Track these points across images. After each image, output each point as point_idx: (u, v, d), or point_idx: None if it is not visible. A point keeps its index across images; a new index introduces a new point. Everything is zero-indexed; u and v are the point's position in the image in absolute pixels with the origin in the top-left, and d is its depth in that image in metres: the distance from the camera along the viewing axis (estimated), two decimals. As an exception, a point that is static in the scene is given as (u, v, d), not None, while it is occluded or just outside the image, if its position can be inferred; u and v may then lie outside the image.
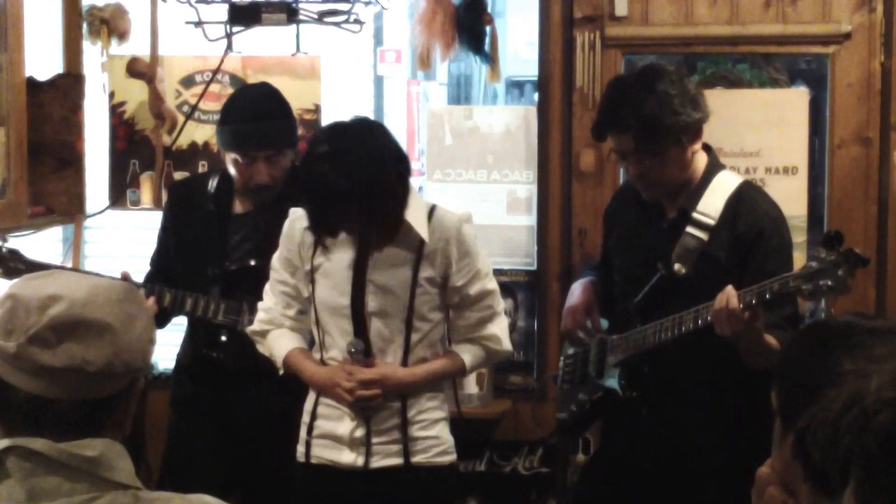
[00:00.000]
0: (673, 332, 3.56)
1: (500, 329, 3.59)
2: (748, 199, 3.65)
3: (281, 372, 3.65)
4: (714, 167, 3.70)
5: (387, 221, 3.41)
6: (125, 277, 3.93)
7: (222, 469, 4.04)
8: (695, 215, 3.63)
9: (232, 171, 3.99)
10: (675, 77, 3.64)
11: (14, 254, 3.93)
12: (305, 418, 3.60)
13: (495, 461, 4.90)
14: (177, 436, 4.22)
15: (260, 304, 3.69)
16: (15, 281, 1.96)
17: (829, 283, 3.16)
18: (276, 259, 3.64)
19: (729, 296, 3.32)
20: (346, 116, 3.53)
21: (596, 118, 3.77)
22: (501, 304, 3.62)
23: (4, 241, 4.06)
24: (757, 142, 4.71)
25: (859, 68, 4.69)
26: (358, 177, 3.28)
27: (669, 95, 3.55)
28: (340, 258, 3.50)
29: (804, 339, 1.96)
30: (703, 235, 3.61)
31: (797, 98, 4.77)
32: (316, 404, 3.58)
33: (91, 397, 1.85)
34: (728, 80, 4.84)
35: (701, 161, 3.68)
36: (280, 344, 3.63)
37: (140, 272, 4.25)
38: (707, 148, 3.72)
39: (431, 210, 3.51)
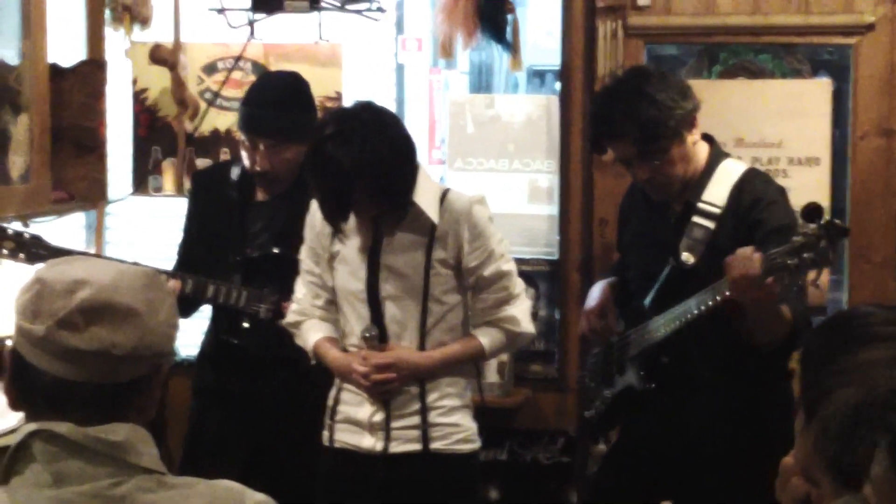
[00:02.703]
0: (683, 318, 3.56)
1: (518, 311, 3.58)
2: (750, 184, 3.64)
3: (312, 362, 3.67)
4: (717, 157, 3.70)
5: (394, 202, 3.42)
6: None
7: (242, 456, 4.05)
8: (700, 205, 3.63)
9: (242, 150, 4.01)
10: (658, 75, 3.68)
11: (36, 239, 3.94)
12: (329, 402, 3.63)
13: (516, 450, 4.90)
14: (198, 422, 4.24)
15: (293, 296, 3.71)
16: (40, 265, 1.97)
17: (812, 255, 3.16)
18: (302, 250, 3.68)
19: (753, 258, 3.30)
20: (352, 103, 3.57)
21: (591, 132, 3.78)
22: (520, 285, 3.60)
23: (27, 226, 4.07)
24: (779, 132, 4.70)
25: (882, 59, 4.67)
26: (362, 156, 3.30)
27: (659, 92, 3.56)
28: (355, 244, 3.52)
29: (827, 330, 1.96)
30: (709, 224, 3.61)
31: (819, 89, 4.75)
32: (339, 390, 3.61)
33: (116, 381, 1.86)
34: (750, 71, 4.83)
35: (702, 151, 3.69)
36: (310, 334, 3.66)
37: (161, 258, 4.26)
38: (708, 138, 3.72)
39: (444, 193, 3.52)
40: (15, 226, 3.91)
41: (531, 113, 4.98)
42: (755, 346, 3.49)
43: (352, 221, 3.51)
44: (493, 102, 5.06)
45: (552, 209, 4.96)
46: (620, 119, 3.58)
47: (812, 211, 3.20)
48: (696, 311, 3.51)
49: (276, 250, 4.00)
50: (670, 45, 4.88)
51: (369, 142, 3.33)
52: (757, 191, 3.62)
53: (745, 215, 3.58)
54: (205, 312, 4.20)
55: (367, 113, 3.43)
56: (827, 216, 3.19)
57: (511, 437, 4.91)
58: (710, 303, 3.45)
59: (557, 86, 5.07)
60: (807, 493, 1.82)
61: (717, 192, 3.63)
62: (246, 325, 4.00)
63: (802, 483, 1.84)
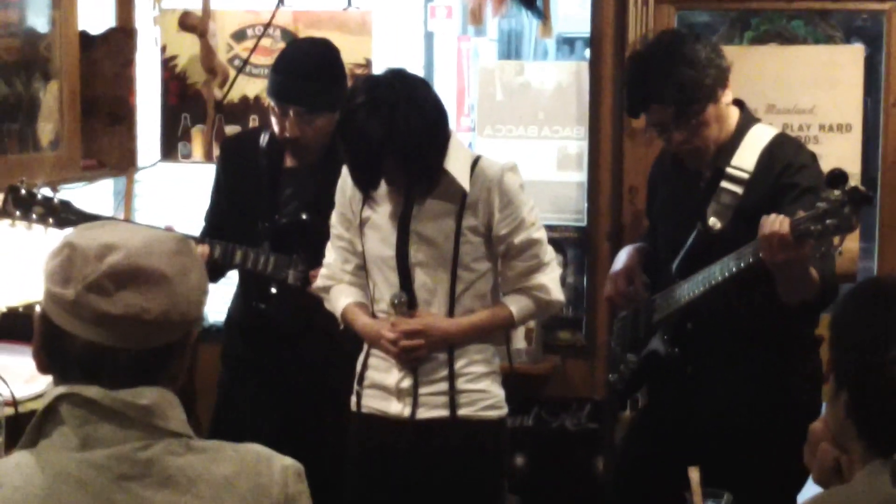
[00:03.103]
0: (707, 284, 3.55)
1: (548, 279, 3.57)
2: (781, 149, 3.62)
3: (341, 327, 3.67)
4: (747, 122, 3.68)
5: (425, 170, 3.42)
6: (169, 230, 3.94)
7: (271, 424, 4.05)
8: (729, 170, 3.61)
9: (271, 117, 4.00)
10: (690, 36, 3.67)
11: (66, 205, 3.95)
12: (358, 368, 3.64)
13: (543, 417, 4.91)
14: (227, 390, 4.25)
15: (324, 261, 3.72)
16: (70, 230, 1.97)
17: (835, 221, 3.13)
18: (333, 215, 3.68)
19: (781, 221, 3.27)
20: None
21: (629, 97, 3.74)
22: (550, 253, 3.60)
23: (56, 192, 4.08)
24: (811, 99, 4.67)
25: (916, 25, 4.63)
26: (393, 125, 3.30)
27: (695, 52, 3.57)
28: (386, 210, 3.52)
29: (858, 297, 1.95)
30: (738, 189, 3.60)
31: (852, 55, 4.72)
32: (367, 355, 3.62)
33: (147, 347, 1.86)
34: (782, 37, 4.81)
35: (733, 115, 3.67)
36: (338, 299, 3.67)
37: (190, 225, 4.27)
38: (739, 103, 3.70)
39: (476, 160, 3.51)
40: (44, 192, 3.92)
41: (561, 80, 4.96)
42: (785, 304, 3.46)
43: (382, 188, 3.50)
44: (522, 69, 5.04)
45: (581, 176, 4.95)
46: (658, 82, 3.56)
47: (836, 177, 3.17)
48: (719, 277, 3.50)
49: (304, 217, 4.00)
50: (702, 11, 4.84)
51: (399, 112, 3.32)
52: (788, 156, 3.60)
53: (775, 180, 3.56)
54: (232, 278, 4.20)
55: (398, 82, 3.42)
56: (851, 182, 3.16)
57: (539, 403, 4.91)
58: (734, 269, 3.43)
59: (587, 53, 5.04)
60: (836, 459, 1.82)
61: (746, 157, 3.61)
62: (274, 290, 4.01)
63: (832, 449, 1.83)
